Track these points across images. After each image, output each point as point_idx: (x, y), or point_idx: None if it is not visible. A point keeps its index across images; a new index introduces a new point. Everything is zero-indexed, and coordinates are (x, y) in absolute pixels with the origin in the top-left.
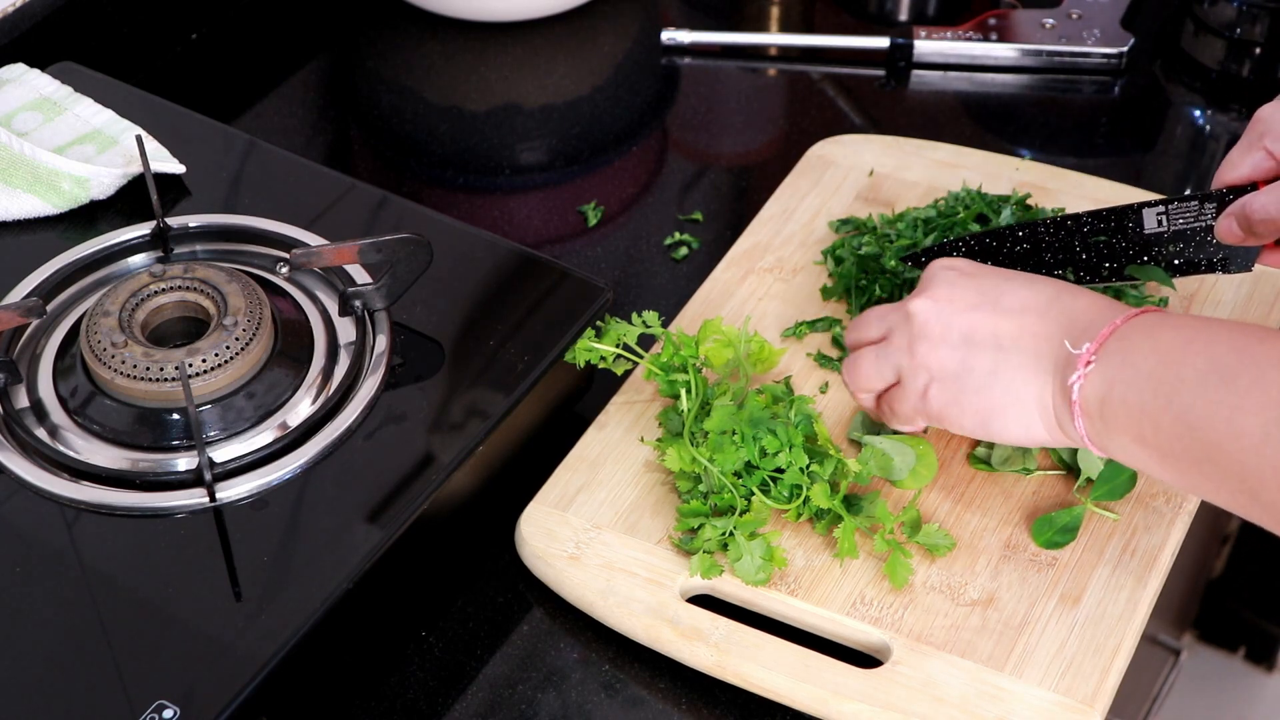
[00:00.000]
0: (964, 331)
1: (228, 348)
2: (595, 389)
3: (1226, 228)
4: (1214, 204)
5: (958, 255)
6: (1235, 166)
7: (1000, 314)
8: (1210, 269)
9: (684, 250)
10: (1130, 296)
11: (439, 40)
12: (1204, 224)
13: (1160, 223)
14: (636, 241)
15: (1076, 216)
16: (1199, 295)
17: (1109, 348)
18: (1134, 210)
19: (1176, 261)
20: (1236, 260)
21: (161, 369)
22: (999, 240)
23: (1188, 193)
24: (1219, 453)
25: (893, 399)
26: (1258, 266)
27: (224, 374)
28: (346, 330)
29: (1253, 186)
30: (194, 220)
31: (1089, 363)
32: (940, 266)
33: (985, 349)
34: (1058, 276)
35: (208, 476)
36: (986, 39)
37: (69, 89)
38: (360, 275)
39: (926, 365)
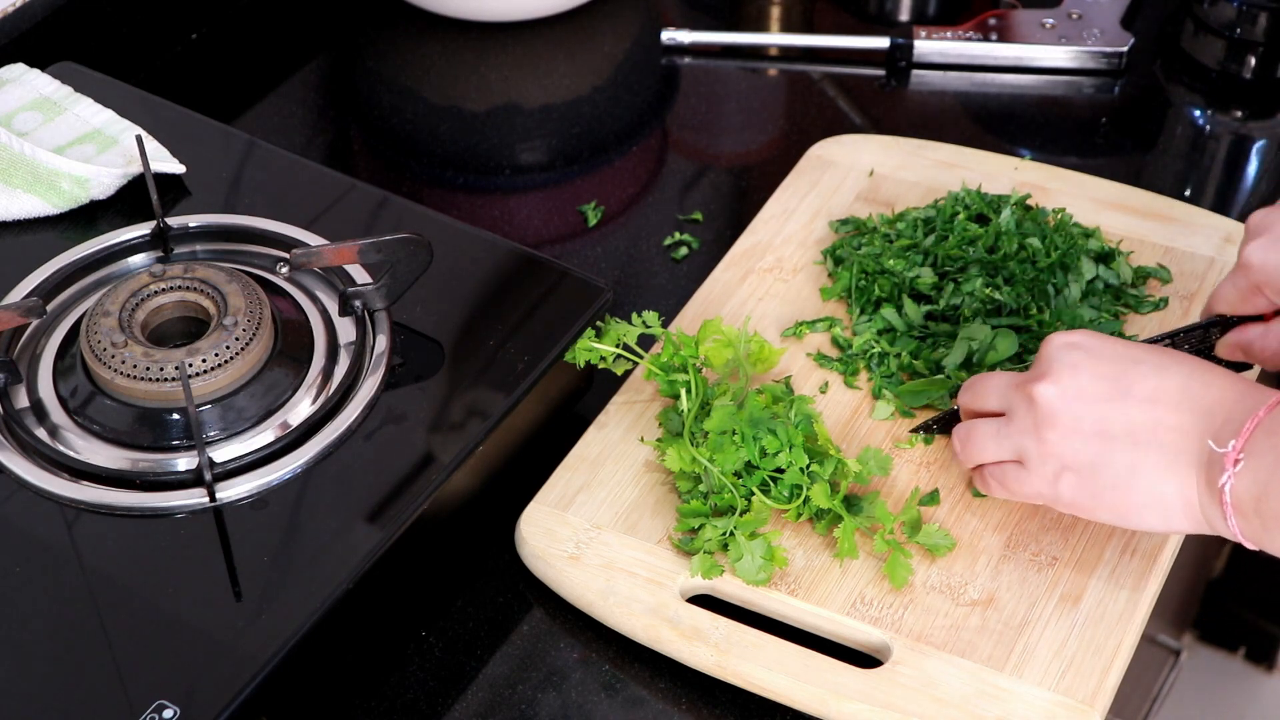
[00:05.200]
0: (1096, 425)
1: (228, 348)
2: (595, 389)
3: (1229, 352)
4: (1218, 328)
5: (956, 426)
6: (1231, 305)
7: (1132, 404)
8: None
9: (684, 250)
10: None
11: (439, 40)
12: (1210, 345)
13: None
14: (636, 241)
15: None
16: (1199, 295)
17: (1256, 443)
18: None
19: None
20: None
21: (161, 369)
22: None
23: (1191, 323)
24: None
25: (1009, 478)
26: None
27: (224, 374)
28: (346, 330)
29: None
30: (194, 220)
31: (1237, 461)
32: (1061, 344)
33: (1121, 445)
34: None
35: (208, 476)
36: (986, 39)
37: (69, 89)
38: (360, 275)
39: (1058, 455)
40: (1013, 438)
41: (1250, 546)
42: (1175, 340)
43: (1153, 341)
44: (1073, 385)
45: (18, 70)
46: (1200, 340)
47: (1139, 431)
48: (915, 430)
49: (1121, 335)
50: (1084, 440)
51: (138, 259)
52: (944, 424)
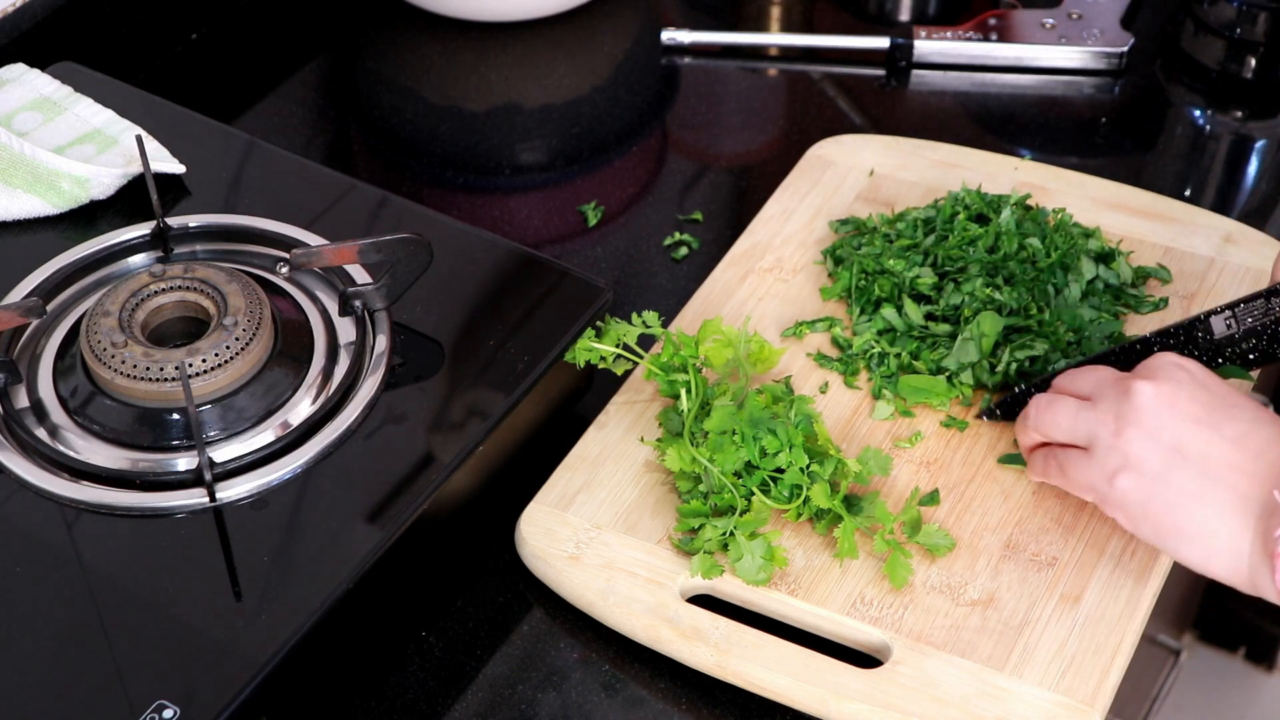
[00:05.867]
0: (1177, 439)
1: (228, 348)
2: (595, 389)
3: None
4: (1279, 297)
5: (1038, 394)
6: None
7: (1218, 438)
8: None
9: (684, 250)
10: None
11: (439, 40)
12: (1274, 317)
13: (1230, 325)
14: (636, 241)
15: (1145, 339)
16: (1199, 295)
17: None
18: (1202, 320)
19: (1251, 356)
20: None
21: (161, 369)
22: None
23: (1252, 292)
24: None
25: (1070, 463)
26: None
27: (224, 374)
28: (346, 330)
29: None
30: (194, 220)
31: None
32: (1171, 361)
33: (1192, 469)
34: None
35: (208, 476)
36: (986, 39)
37: (69, 89)
38: (360, 275)
39: (1127, 452)
40: (1091, 422)
41: None
42: (1236, 310)
43: (1213, 313)
44: (1170, 394)
45: (18, 70)
46: (1263, 311)
47: (1213, 465)
48: (980, 415)
49: (1121, 335)
50: (1158, 449)
51: (138, 259)
52: (1008, 408)
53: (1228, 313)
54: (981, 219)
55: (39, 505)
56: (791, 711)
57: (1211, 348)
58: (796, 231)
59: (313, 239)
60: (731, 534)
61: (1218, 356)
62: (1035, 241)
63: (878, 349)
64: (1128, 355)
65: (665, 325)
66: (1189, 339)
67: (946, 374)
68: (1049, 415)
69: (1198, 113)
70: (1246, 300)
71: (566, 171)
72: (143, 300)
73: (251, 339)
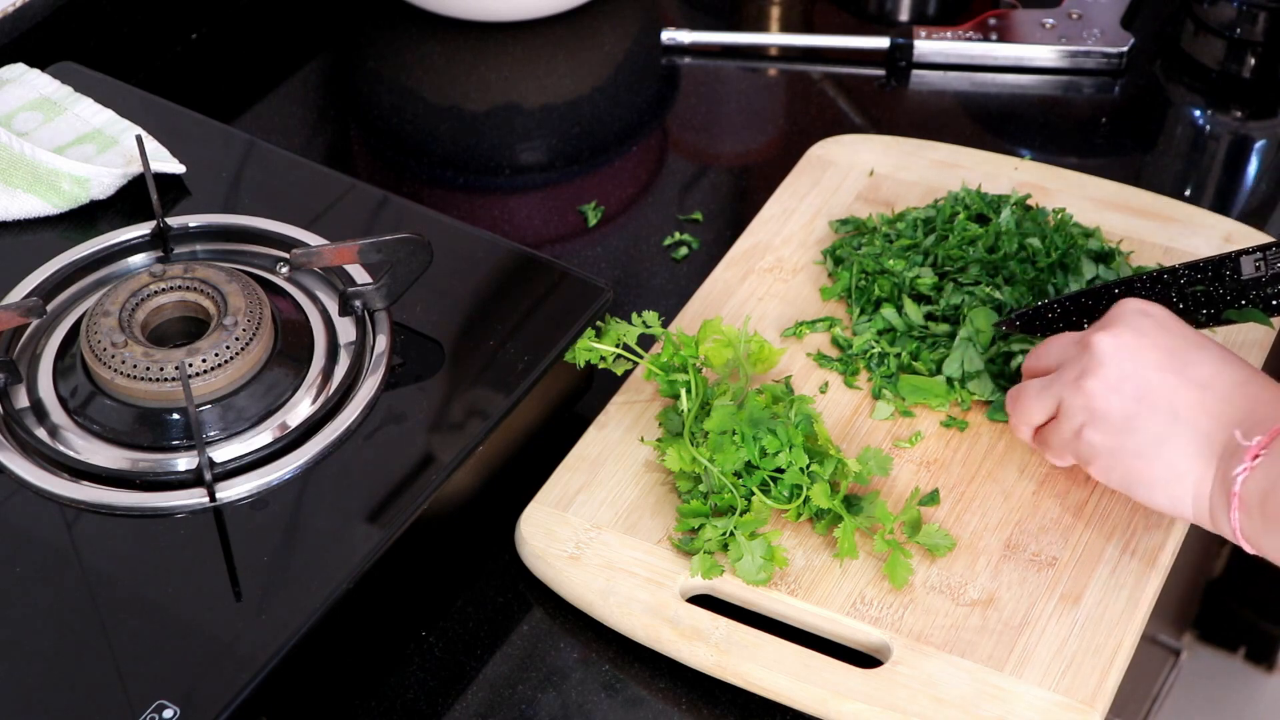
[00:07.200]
0: (1141, 388)
1: (228, 348)
2: (595, 389)
3: None
4: None
5: (1054, 316)
6: None
7: (1184, 383)
8: None
9: (684, 250)
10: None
11: (439, 40)
12: None
13: (1259, 268)
14: (636, 241)
15: (1174, 270)
16: None
17: (1279, 445)
18: (1232, 259)
19: (1275, 302)
20: None
21: (161, 369)
22: (1094, 299)
23: None
24: None
25: (1048, 434)
26: None
27: (224, 374)
28: (346, 330)
29: None
30: (194, 220)
31: (1257, 455)
32: (1134, 309)
33: (1159, 415)
34: None
35: (208, 476)
36: (986, 39)
37: (69, 89)
38: (360, 275)
39: (1090, 406)
40: (1054, 388)
41: (1248, 549)
42: (1268, 253)
43: (1244, 253)
44: (1131, 344)
45: (18, 70)
46: None
47: (1180, 408)
48: (999, 325)
49: None
50: (1122, 399)
51: (138, 259)
52: (1028, 320)
53: (1259, 255)
54: (981, 219)
55: (39, 505)
56: (791, 711)
57: (1237, 288)
58: (796, 231)
59: (313, 239)
60: (731, 534)
61: (1241, 297)
62: (1035, 241)
63: (878, 349)
64: (1097, 299)
65: (665, 325)
66: (1216, 275)
67: (947, 378)
68: (1020, 405)
69: (1198, 113)
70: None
71: (566, 171)
72: (143, 300)
73: (251, 339)
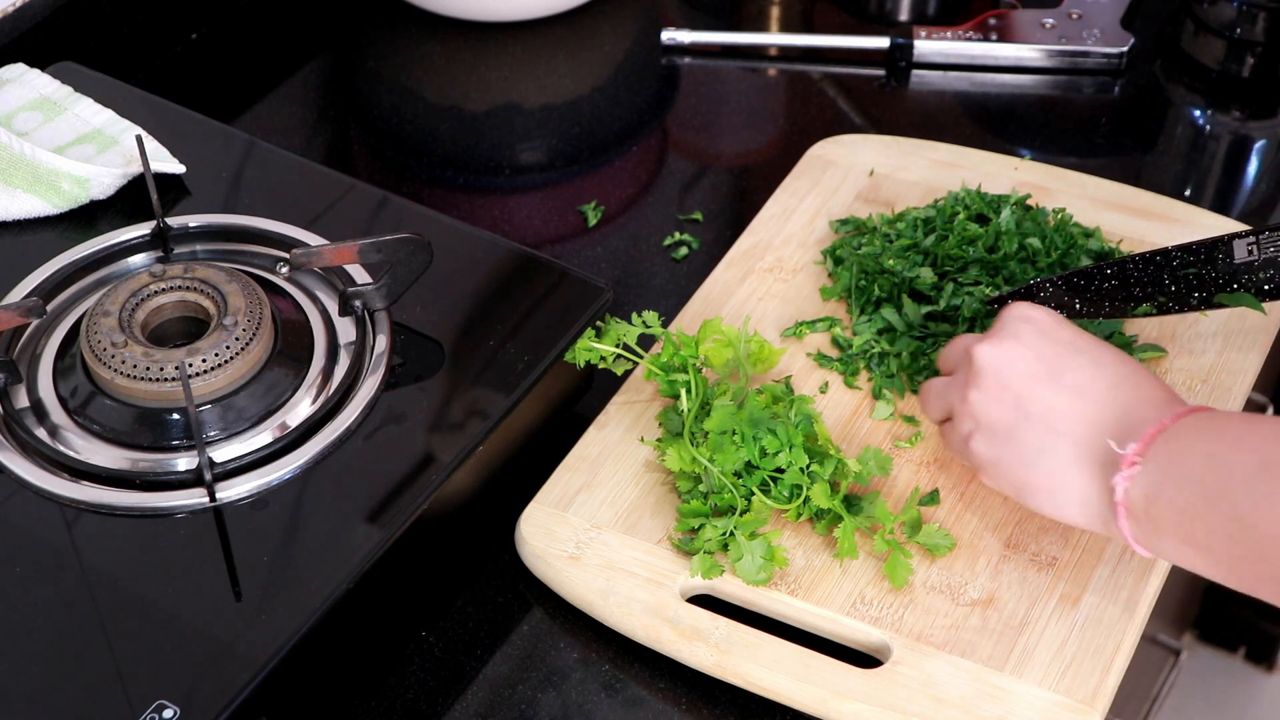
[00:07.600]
0: (1018, 399)
1: (228, 348)
2: (595, 389)
3: None
4: None
5: (1045, 295)
6: None
7: (1058, 391)
8: None
9: (684, 250)
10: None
11: (439, 40)
12: None
13: (1251, 252)
14: (636, 241)
15: (1166, 251)
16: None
17: (1157, 448)
18: (1224, 242)
19: (1266, 287)
20: None
21: (161, 369)
22: (1086, 279)
23: (1278, 223)
24: (1273, 549)
25: (944, 434)
26: None
27: (224, 374)
28: (346, 330)
29: None
30: (194, 220)
31: (1134, 464)
32: (1016, 315)
33: (1036, 426)
34: (1145, 307)
35: (208, 476)
36: (986, 39)
37: (69, 89)
38: (360, 275)
39: (974, 415)
40: (946, 394)
41: (1144, 554)
42: (1260, 238)
43: (1236, 236)
44: (1010, 354)
45: (18, 70)
46: None
47: (1056, 419)
48: (988, 303)
49: (1121, 334)
50: (1002, 409)
51: (138, 259)
52: (1020, 300)
53: (1251, 239)
54: (981, 219)
55: (39, 505)
56: (791, 711)
57: (1229, 271)
58: (796, 231)
59: (313, 239)
60: (731, 534)
61: (1233, 281)
62: (1035, 241)
63: (878, 349)
64: (1089, 279)
65: (665, 325)
66: (1209, 258)
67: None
68: (923, 400)
69: (1198, 113)
70: (1273, 229)
71: (566, 171)
72: (143, 300)
73: (251, 339)
